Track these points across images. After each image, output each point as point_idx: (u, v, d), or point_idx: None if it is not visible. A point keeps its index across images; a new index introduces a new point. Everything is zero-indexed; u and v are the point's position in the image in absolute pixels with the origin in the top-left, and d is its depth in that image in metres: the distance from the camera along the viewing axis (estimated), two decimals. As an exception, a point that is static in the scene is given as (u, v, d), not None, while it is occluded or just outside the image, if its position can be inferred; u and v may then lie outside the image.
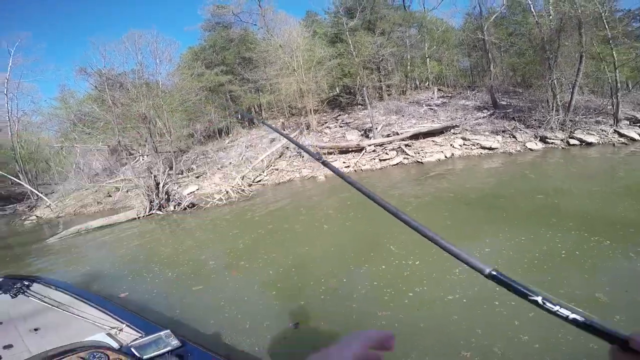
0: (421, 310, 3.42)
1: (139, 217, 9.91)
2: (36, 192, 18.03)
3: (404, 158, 11.92)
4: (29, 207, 18.58)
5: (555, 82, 12.68)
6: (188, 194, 11.39)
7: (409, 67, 19.95)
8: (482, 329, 2.96)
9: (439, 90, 18.51)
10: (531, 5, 13.79)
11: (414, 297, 3.61)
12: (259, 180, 12.47)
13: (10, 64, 23.67)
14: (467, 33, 18.85)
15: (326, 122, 17.08)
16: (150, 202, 10.07)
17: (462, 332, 2.95)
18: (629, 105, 13.46)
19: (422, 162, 11.43)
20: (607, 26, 11.59)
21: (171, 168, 13.97)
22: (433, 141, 12.54)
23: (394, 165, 11.75)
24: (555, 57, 12.58)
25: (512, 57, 16.84)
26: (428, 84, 20.23)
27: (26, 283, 3.15)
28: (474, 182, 8.57)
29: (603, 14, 11.52)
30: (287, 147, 14.31)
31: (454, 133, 12.82)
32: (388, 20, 18.39)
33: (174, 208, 10.12)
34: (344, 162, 12.55)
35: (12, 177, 20.45)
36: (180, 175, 14.28)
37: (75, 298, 2.71)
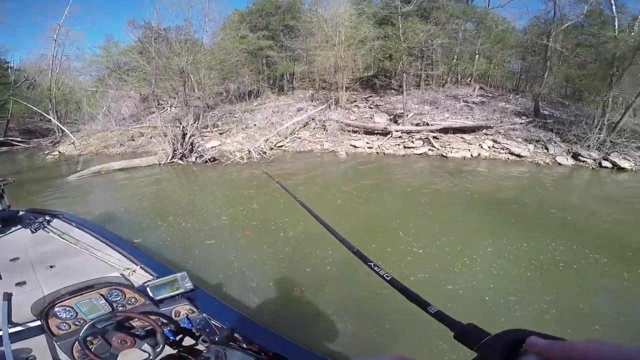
0: (422, 293, 3.52)
1: (159, 164, 10.30)
2: (62, 127, 18.85)
3: (429, 149, 11.98)
4: (52, 142, 19.53)
5: (610, 100, 11.88)
6: (211, 148, 11.66)
7: (455, 61, 19.18)
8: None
9: (480, 88, 17.82)
10: (616, 19, 13.09)
11: (414, 282, 3.77)
12: (281, 146, 12.71)
13: (66, 12, 24.43)
14: (529, 36, 17.91)
15: (356, 101, 16.99)
16: (174, 150, 10.39)
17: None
18: (678, 135, 12.52)
19: (446, 157, 11.50)
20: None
21: (197, 121, 14.23)
22: (462, 138, 12.40)
23: (418, 154, 11.88)
24: (621, 75, 11.87)
25: (571, 68, 15.74)
26: (470, 80, 19.42)
27: (47, 218, 3.15)
28: (494, 185, 8.56)
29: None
30: (313, 119, 14.27)
31: (485, 134, 12.55)
32: (446, 11, 17.77)
33: (195, 160, 10.47)
34: (367, 143, 12.71)
35: (42, 112, 21.48)
36: (205, 129, 14.60)
37: (93, 236, 2.75)
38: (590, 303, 3.53)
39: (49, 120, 21.18)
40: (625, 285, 3.87)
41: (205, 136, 14.07)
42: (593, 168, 10.80)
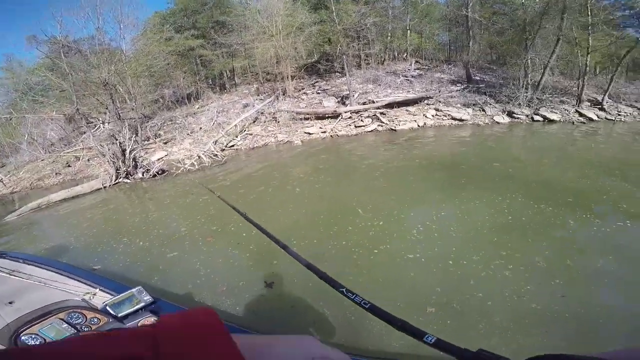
0: (386, 268, 3.70)
1: (104, 187, 9.54)
2: (-17, 167, 16.56)
3: (379, 125, 12.39)
4: (-25, 184, 17.03)
5: (529, 62, 13.19)
6: (157, 160, 11.01)
7: (389, 38, 19.86)
8: (440, 286, 3.25)
9: (416, 62, 18.76)
10: (522, -13, 14.13)
11: (379, 254, 3.88)
12: (232, 145, 12.32)
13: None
14: (451, 8, 19.09)
15: (303, 89, 16.94)
16: (117, 169, 9.71)
17: (423, 289, 3.23)
18: (592, 88, 14.43)
19: (395, 130, 11.98)
20: (590, 13, 12.17)
21: (136, 134, 13.37)
22: (407, 110, 13.01)
23: (369, 131, 12.21)
24: (534, 39, 13.11)
25: (492, 36, 17.19)
26: (406, 56, 20.33)
27: None
28: (441, 150, 9.08)
29: (589, 1, 11.92)
30: (262, 113, 14.00)
31: (427, 104, 13.28)
32: (374, -10, 18.22)
33: (143, 175, 9.84)
34: (320, 128, 12.76)
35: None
36: (146, 142, 13.70)
37: (45, 270, 2.65)
38: (544, 255, 3.61)
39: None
40: (571, 232, 4.06)
41: (149, 148, 13.20)
42: (527, 123, 11.98)
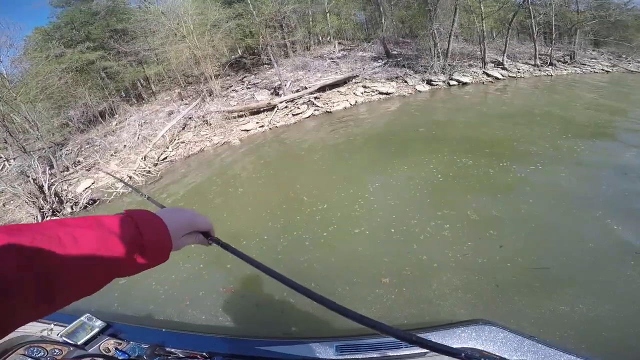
0: (337, 247, 3.93)
1: (32, 231, 8.45)
2: None
3: (315, 110, 12.79)
4: None
5: (436, 32, 14.50)
6: (84, 190, 10.07)
7: (311, 23, 20.23)
8: (387, 255, 3.48)
9: (339, 43, 19.42)
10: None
11: (328, 236, 4.14)
12: (165, 158, 11.61)
13: None
14: None
15: (231, 86, 16.58)
16: (40, 209, 8.72)
17: (373, 261, 3.44)
18: (493, 50, 16.45)
19: (331, 112, 12.55)
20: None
21: (52, 166, 12.01)
22: (338, 91, 13.72)
23: (307, 117, 12.50)
24: (435, 10, 14.32)
25: (401, 10, 18.29)
26: (329, 39, 20.88)
27: None
28: (372, 124, 9.86)
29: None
30: (190, 118, 13.43)
31: (355, 82, 14.10)
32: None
33: (72, 209, 9.00)
34: (257, 122, 12.67)
35: None
36: (66, 172, 12.37)
37: None
38: (475, 209, 3.90)
39: None
40: (493, 181, 4.46)
41: (71, 179, 11.95)
42: (445, 88, 13.39)
